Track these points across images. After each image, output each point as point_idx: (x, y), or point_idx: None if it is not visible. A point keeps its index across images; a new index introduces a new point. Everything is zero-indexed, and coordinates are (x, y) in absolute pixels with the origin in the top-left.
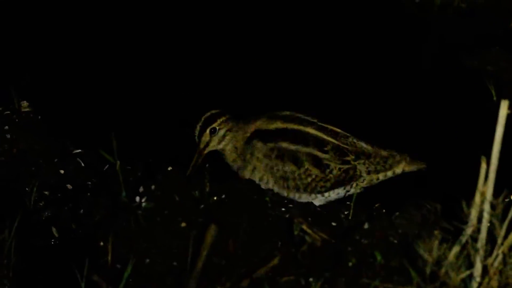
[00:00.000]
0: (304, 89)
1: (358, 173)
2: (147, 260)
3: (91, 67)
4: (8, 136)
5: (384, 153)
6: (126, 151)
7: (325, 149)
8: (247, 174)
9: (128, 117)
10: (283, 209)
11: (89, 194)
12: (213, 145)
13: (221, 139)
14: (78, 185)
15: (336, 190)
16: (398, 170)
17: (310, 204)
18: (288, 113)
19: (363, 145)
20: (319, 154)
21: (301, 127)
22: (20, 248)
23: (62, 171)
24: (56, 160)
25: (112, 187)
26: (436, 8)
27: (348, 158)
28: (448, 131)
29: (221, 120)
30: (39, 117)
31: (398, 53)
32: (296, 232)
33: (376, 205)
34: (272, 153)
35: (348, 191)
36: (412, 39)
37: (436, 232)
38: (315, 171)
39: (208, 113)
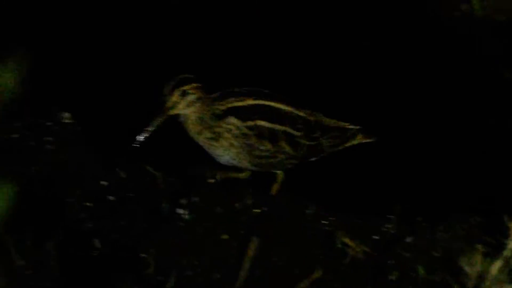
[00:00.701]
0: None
1: (322, 149)
2: (189, 273)
3: (134, 79)
4: (50, 147)
5: (340, 124)
6: (168, 163)
7: (298, 126)
8: (219, 151)
9: (170, 129)
10: (325, 222)
11: (131, 206)
12: (180, 108)
13: (189, 104)
14: (120, 197)
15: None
16: (355, 141)
17: (352, 217)
18: (253, 88)
19: (318, 114)
20: (293, 132)
21: (273, 103)
22: (62, 260)
23: (104, 183)
24: (98, 172)
25: (154, 199)
26: (476, 20)
27: (316, 135)
28: (488, 145)
29: (193, 85)
30: (81, 128)
31: (438, 65)
32: (338, 245)
33: (419, 219)
34: (250, 131)
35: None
36: (452, 52)
37: (478, 246)
38: (288, 149)
39: (182, 76)
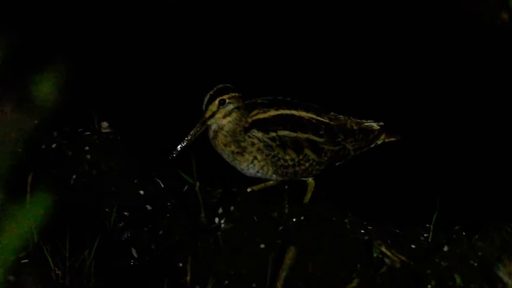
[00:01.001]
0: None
1: (347, 152)
2: (226, 282)
3: (172, 88)
4: (88, 157)
5: (364, 125)
6: (205, 172)
7: (321, 132)
8: (243, 164)
9: (207, 138)
10: (362, 231)
11: (168, 215)
12: (218, 117)
13: (227, 114)
14: (158, 206)
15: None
16: (379, 141)
17: (390, 226)
18: (275, 98)
19: (342, 117)
20: (316, 139)
21: (294, 112)
22: (100, 269)
23: (141, 192)
24: (135, 181)
25: (191, 208)
26: None
27: (339, 139)
28: None
29: (233, 94)
30: (119, 138)
31: (478, 72)
32: (375, 254)
33: (456, 228)
34: (273, 142)
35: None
36: (492, 60)
37: None
38: (313, 156)
39: (221, 85)
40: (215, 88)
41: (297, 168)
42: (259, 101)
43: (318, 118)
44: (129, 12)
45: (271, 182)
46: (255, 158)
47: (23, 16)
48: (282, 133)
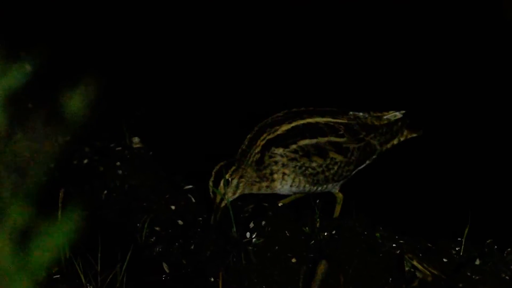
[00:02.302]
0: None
1: (373, 148)
2: None
3: (202, 104)
4: (120, 172)
5: (384, 120)
6: None
7: (340, 132)
8: (277, 185)
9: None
10: (393, 244)
11: (199, 229)
12: (230, 196)
13: (235, 189)
14: (189, 221)
15: (359, 169)
16: (402, 138)
17: (421, 239)
18: (282, 113)
19: (361, 114)
20: (337, 139)
21: (308, 120)
22: (131, 284)
23: (173, 207)
24: (167, 196)
25: (222, 222)
26: None
27: (361, 136)
28: None
29: (231, 170)
30: (151, 153)
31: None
32: (407, 268)
33: (488, 241)
34: (296, 154)
35: (367, 164)
36: None
37: None
38: (339, 158)
39: (217, 166)
40: (213, 173)
41: (327, 174)
42: (264, 124)
43: (335, 120)
44: (162, 28)
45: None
46: (284, 174)
47: (54, 31)
48: (302, 142)
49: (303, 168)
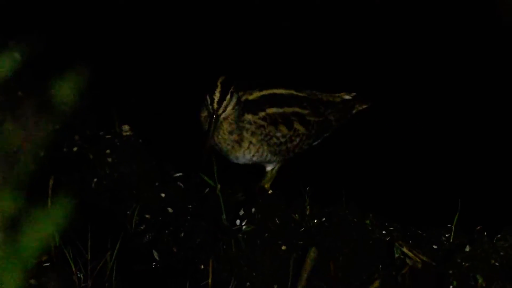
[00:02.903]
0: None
1: (329, 124)
2: (248, 283)
3: (194, 92)
4: (110, 160)
5: (338, 97)
6: (226, 174)
7: (304, 105)
8: (239, 152)
9: None
10: (383, 232)
11: (189, 217)
12: (230, 109)
13: (234, 105)
14: (179, 209)
15: (311, 145)
16: (354, 110)
17: (411, 226)
18: (251, 81)
19: (316, 92)
20: (302, 111)
21: (275, 90)
22: (122, 272)
23: (163, 195)
24: (157, 183)
25: (212, 210)
26: None
27: (321, 111)
28: None
29: (234, 84)
30: (140, 141)
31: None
32: (396, 255)
33: (478, 228)
34: (265, 121)
35: (319, 142)
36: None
37: None
38: (302, 130)
39: (221, 78)
40: (219, 83)
41: (289, 145)
42: (241, 83)
43: (297, 93)
44: (150, 15)
45: (272, 168)
46: (251, 142)
47: (43, 20)
48: (270, 111)
49: (269, 136)
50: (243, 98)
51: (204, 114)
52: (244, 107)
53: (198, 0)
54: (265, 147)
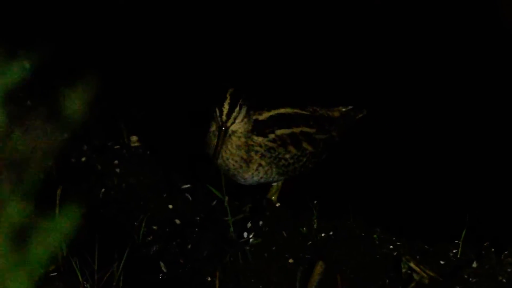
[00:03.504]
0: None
1: (333, 140)
2: None
3: (202, 105)
4: (118, 170)
5: (336, 111)
6: (234, 187)
7: (310, 123)
8: (248, 173)
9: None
10: (391, 246)
11: (197, 229)
12: (238, 122)
13: (243, 117)
14: (187, 220)
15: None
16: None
17: (419, 241)
18: (257, 99)
19: (317, 108)
20: (309, 130)
21: (281, 110)
22: (129, 282)
23: (170, 206)
24: (164, 195)
25: (220, 222)
26: None
27: (327, 127)
28: None
29: (244, 96)
30: (148, 152)
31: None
32: (403, 270)
33: (485, 244)
34: (274, 143)
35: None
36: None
37: None
38: (310, 149)
39: (230, 90)
40: (228, 95)
41: (296, 165)
42: (249, 98)
43: (302, 111)
44: (160, 26)
45: (278, 183)
46: (260, 165)
47: (53, 29)
48: (280, 132)
49: (278, 158)
50: (254, 117)
51: (213, 128)
52: (254, 127)
53: (207, 14)
54: (274, 169)
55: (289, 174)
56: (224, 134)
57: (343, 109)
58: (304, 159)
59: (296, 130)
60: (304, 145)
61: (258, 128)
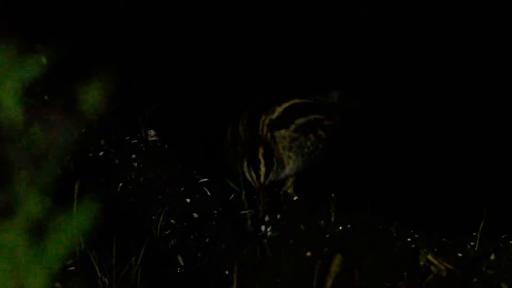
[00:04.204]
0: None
1: (337, 126)
2: None
3: (220, 98)
4: (135, 164)
5: (332, 99)
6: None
7: (319, 110)
8: (283, 174)
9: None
10: (408, 239)
11: (214, 223)
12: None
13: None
14: (204, 214)
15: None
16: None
17: (437, 234)
18: (261, 98)
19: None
20: (319, 116)
21: (291, 101)
22: (146, 276)
23: (188, 200)
24: (182, 189)
25: (237, 216)
26: None
27: (331, 114)
28: None
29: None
30: (166, 146)
31: None
32: (421, 263)
33: (503, 236)
34: (297, 133)
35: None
36: None
37: None
38: (323, 134)
39: (261, 150)
40: (263, 156)
41: (316, 152)
42: (257, 105)
43: (307, 100)
44: (177, 19)
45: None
46: (289, 157)
47: (70, 23)
48: (299, 121)
49: (301, 147)
50: (267, 120)
51: (229, 142)
52: (271, 127)
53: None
54: (300, 159)
55: (310, 163)
56: (264, 194)
57: (338, 94)
58: (321, 146)
59: (311, 117)
60: (319, 131)
61: (276, 125)
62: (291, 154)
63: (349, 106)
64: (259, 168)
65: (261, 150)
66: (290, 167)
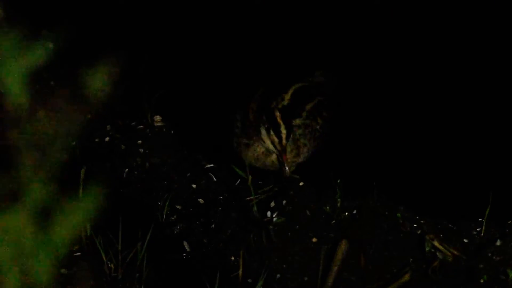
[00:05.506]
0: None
1: (335, 107)
2: (278, 275)
3: (226, 83)
4: (141, 150)
5: (320, 79)
6: (257, 166)
7: (319, 92)
8: (299, 159)
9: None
10: (414, 225)
11: (220, 208)
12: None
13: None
14: (210, 200)
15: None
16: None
17: (442, 220)
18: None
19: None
20: (322, 99)
21: (294, 86)
22: (152, 262)
23: (194, 186)
24: (188, 174)
25: (243, 202)
26: None
27: (328, 94)
28: None
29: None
30: (172, 131)
31: None
32: (427, 248)
33: (509, 222)
34: (308, 119)
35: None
36: None
37: None
38: (327, 115)
39: (277, 113)
40: (281, 118)
41: (322, 137)
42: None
43: (306, 83)
44: (182, 6)
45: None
46: (305, 145)
47: (76, 9)
48: (308, 106)
49: (313, 131)
50: (279, 106)
51: (239, 130)
52: (284, 116)
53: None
54: (312, 143)
55: (319, 146)
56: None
57: (320, 74)
58: (328, 125)
59: (316, 100)
60: (324, 113)
61: (289, 112)
62: (305, 141)
63: (331, 85)
64: (280, 131)
65: (278, 114)
66: (305, 153)
